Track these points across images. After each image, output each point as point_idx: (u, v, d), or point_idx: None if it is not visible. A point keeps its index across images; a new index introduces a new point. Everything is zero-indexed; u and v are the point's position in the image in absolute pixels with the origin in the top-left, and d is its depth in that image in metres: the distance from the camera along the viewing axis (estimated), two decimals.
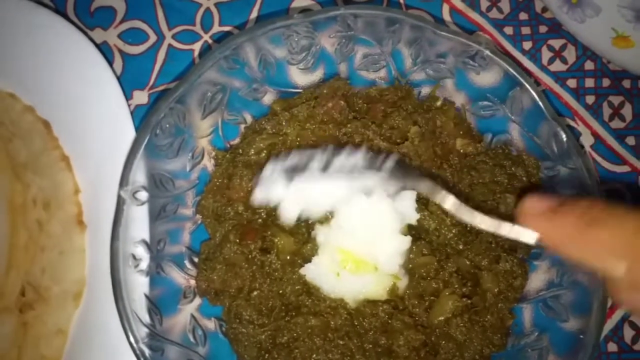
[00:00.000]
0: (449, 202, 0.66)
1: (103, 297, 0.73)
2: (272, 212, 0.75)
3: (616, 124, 0.91)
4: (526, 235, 0.59)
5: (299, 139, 0.77)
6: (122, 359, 0.72)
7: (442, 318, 0.71)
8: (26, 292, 0.75)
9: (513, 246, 0.75)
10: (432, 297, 0.73)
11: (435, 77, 0.82)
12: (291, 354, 0.70)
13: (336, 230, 0.71)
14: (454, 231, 0.73)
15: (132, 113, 0.83)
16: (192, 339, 0.73)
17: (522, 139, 0.80)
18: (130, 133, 0.78)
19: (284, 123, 0.77)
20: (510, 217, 0.62)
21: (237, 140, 0.82)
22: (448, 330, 0.72)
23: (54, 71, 0.81)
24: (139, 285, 0.69)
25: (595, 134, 0.91)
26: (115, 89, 0.81)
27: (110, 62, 0.85)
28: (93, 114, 0.80)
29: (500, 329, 0.73)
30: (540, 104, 0.74)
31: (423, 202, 0.75)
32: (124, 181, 0.69)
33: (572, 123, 0.91)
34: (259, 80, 0.80)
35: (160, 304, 0.71)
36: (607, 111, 0.92)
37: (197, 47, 0.90)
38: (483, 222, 0.63)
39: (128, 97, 0.87)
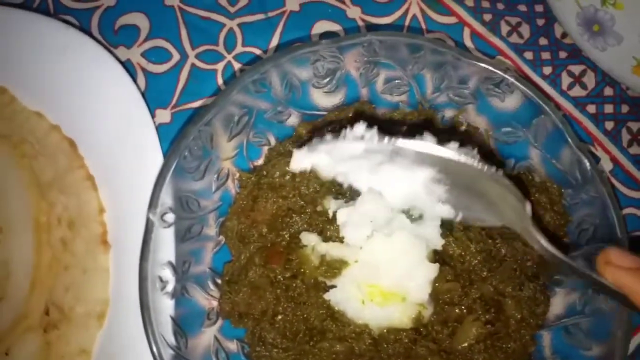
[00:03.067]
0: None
1: (127, 318, 0.74)
2: (295, 235, 0.76)
3: (635, 150, 0.92)
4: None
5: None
6: None
7: (466, 344, 0.72)
8: (50, 312, 0.75)
9: (536, 273, 0.75)
10: (455, 324, 0.73)
11: (458, 102, 0.82)
12: None
13: (362, 266, 0.71)
14: (478, 258, 0.74)
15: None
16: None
17: (544, 165, 0.80)
18: (156, 152, 0.78)
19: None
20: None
21: (260, 161, 0.83)
22: (471, 356, 0.72)
23: (81, 90, 0.82)
24: (165, 308, 0.69)
25: (614, 160, 0.92)
26: (141, 107, 0.81)
27: (134, 80, 0.86)
28: (119, 133, 0.80)
29: (522, 356, 0.73)
30: (564, 130, 0.75)
31: (447, 228, 0.75)
32: (153, 204, 0.69)
33: (591, 148, 0.92)
34: (283, 102, 0.81)
35: (184, 326, 0.71)
36: (625, 137, 0.93)
37: (220, 67, 0.91)
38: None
39: (151, 115, 0.87)
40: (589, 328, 0.73)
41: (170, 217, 0.71)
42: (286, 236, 0.76)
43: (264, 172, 0.79)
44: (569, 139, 0.74)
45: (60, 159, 0.80)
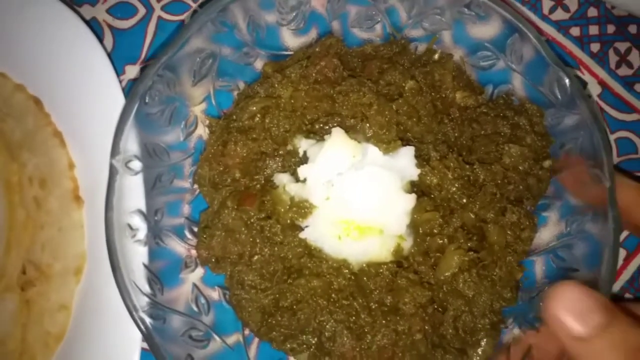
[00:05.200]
0: None
1: (104, 271, 0.72)
2: (269, 178, 0.74)
3: (623, 71, 0.88)
4: None
5: (292, 100, 0.75)
6: (126, 332, 0.71)
7: (449, 273, 0.69)
8: (27, 270, 0.75)
9: (519, 197, 0.72)
10: (437, 254, 0.71)
11: (431, 30, 0.79)
12: (295, 316, 0.68)
13: (335, 203, 0.69)
14: (456, 185, 0.71)
15: (124, 88, 0.83)
16: (195, 308, 0.72)
17: (525, 89, 0.77)
18: (121, 104, 0.77)
19: (276, 85, 0.75)
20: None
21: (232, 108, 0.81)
22: (456, 286, 0.70)
23: (43, 49, 0.81)
24: (137, 255, 0.68)
25: (602, 83, 0.88)
26: (105, 63, 0.79)
27: (100, 38, 0.84)
28: (84, 90, 0.79)
29: (509, 283, 0.71)
30: (541, 49, 0.71)
31: (424, 158, 0.73)
32: (115, 150, 0.68)
33: (577, 73, 0.88)
34: (249, 43, 0.78)
35: (162, 275, 0.70)
36: (613, 59, 0.89)
37: (186, 17, 0.89)
38: None
39: (120, 72, 0.86)
40: (578, 251, 0.70)
41: (136, 164, 0.70)
42: (261, 180, 0.74)
43: (233, 117, 0.77)
44: (546, 56, 0.71)
45: (27, 119, 0.79)
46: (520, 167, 0.72)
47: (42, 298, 0.75)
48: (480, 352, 0.69)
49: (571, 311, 0.56)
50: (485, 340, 0.69)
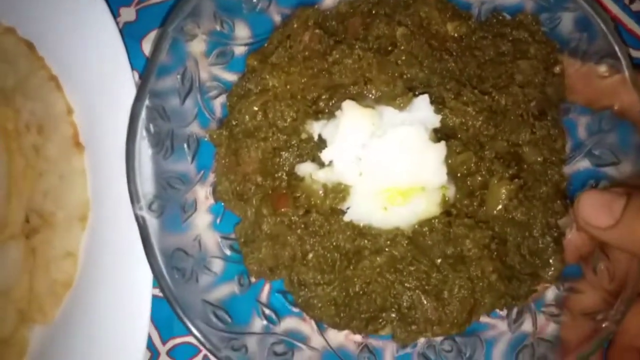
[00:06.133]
0: None
1: (109, 217, 0.72)
2: (291, 172, 0.71)
3: (638, 6, 0.84)
4: None
5: (288, 86, 0.71)
6: (136, 277, 0.69)
7: (500, 207, 0.69)
8: (30, 219, 0.73)
9: (542, 110, 0.71)
10: (482, 191, 0.70)
11: None
12: (369, 298, 0.67)
13: (370, 175, 0.67)
14: (480, 118, 0.69)
15: (121, 31, 0.77)
16: (266, 323, 0.70)
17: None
18: (118, 47, 0.73)
19: (267, 77, 0.71)
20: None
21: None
22: (509, 216, 0.69)
23: None
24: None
25: (615, 19, 0.84)
26: (100, 4, 0.75)
27: None
28: (78, 33, 0.75)
29: (557, 195, 0.71)
30: None
31: (438, 102, 0.70)
32: (134, 200, 0.64)
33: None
34: (222, 42, 0.73)
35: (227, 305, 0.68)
36: None
37: None
38: None
39: (115, 14, 0.80)
40: (612, 143, 0.71)
41: (157, 205, 0.66)
42: (283, 176, 0.71)
43: (233, 122, 0.72)
44: None
45: (20, 63, 0.75)
46: (536, 80, 0.71)
47: (47, 246, 0.73)
48: (552, 270, 0.70)
49: (595, 207, 0.63)
50: (553, 257, 0.70)
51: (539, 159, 0.70)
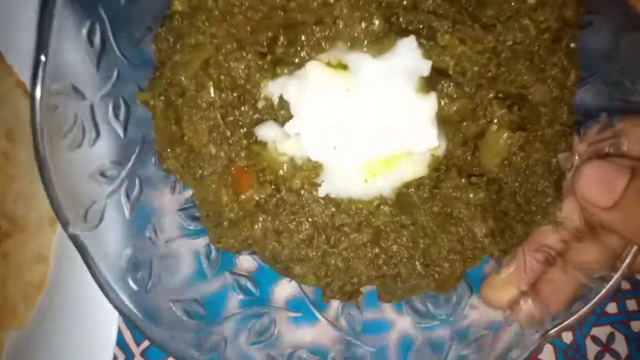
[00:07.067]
0: None
1: None
2: (250, 134, 0.58)
3: None
4: None
5: (234, 30, 0.54)
6: None
7: (499, 160, 0.59)
8: (1, 224, 0.74)
9: (557, 37, 0.57)
10: (476, 140, 0.59)
11: None
12: (352, 273, 0.62)
13: (345, 146, 0.55)
14: (482, 61, 0.55)
15: None
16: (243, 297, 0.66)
17: None
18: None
19: (206, 24, 0.53)
20: None
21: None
22: (507, 164, 0.61)
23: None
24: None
25: None
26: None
27: None
28: None
29: (564, 133, 0.61)
30: None
31: (428, 37, 0.55)
32: (61, 220, 0.53)
33: None
34: None
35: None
36: None
37: None
38: None
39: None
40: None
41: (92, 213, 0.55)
42: (242, 143, 0.58)
43: (167, 79, 0.56)
44: None
45: None
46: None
47: (19, 250, 0.73)
48: (549, 216, 0.64)
49: (595, 183, 0.56)
50: (550, 203, 0.63)
51: (547, 100, 0.58)
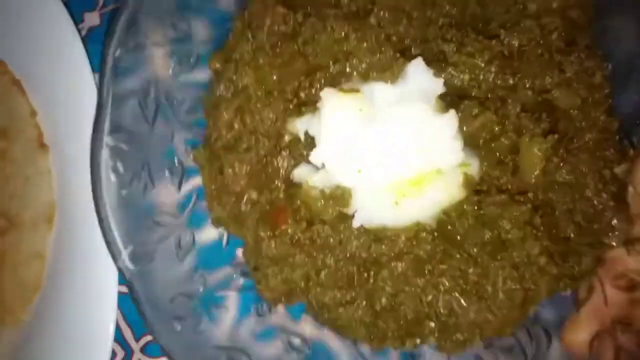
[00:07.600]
0: None
1: (76, 217, 0.71)
2: (288, 180, 0.62)
3: None
4: None
5: (261, 83, 0.61)
6: (103, 277, 0.68)
7: (538, 171, 0.56)
8: None
9: (570, 39, 0.57)
10: (513, 156, 0.58)
11: None
12: (399, 311, 0.58)
13: (370, 169, 0.57)
14: (493, 69, 0.56)
15: (85, 37, 0.78)
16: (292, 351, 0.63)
17: None
18: (78, 49, 0.72)
19: (234, 78, 0.61)
20: None
21: None
22: (551, 178, 0.57)
23: None
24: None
25: None
26: (61, 10, 0.74)
27: None
28: (38, 36, 0.75)
29: (609, 140, 0.57)
30: None
31: (439, 59, 0.58)
32: (114, 253, 0.58)
33: None
34: (181, 47, 0.64)
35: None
36: None
37: None
38: None
39: (79, 20, 0.80)
40: None
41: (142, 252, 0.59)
42: (280, 186, 0.62)
43: (213, 138, 0.64)
44: None
45: None
46: (554, 5, 0.56)
47: (15, 248, 0.73)
48: (617, 234, 0.57)
49: None
50: (615, 217, 0.57)
51: (575, 102, 0.56)
